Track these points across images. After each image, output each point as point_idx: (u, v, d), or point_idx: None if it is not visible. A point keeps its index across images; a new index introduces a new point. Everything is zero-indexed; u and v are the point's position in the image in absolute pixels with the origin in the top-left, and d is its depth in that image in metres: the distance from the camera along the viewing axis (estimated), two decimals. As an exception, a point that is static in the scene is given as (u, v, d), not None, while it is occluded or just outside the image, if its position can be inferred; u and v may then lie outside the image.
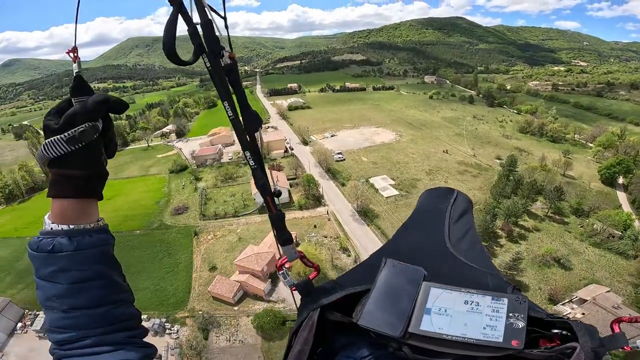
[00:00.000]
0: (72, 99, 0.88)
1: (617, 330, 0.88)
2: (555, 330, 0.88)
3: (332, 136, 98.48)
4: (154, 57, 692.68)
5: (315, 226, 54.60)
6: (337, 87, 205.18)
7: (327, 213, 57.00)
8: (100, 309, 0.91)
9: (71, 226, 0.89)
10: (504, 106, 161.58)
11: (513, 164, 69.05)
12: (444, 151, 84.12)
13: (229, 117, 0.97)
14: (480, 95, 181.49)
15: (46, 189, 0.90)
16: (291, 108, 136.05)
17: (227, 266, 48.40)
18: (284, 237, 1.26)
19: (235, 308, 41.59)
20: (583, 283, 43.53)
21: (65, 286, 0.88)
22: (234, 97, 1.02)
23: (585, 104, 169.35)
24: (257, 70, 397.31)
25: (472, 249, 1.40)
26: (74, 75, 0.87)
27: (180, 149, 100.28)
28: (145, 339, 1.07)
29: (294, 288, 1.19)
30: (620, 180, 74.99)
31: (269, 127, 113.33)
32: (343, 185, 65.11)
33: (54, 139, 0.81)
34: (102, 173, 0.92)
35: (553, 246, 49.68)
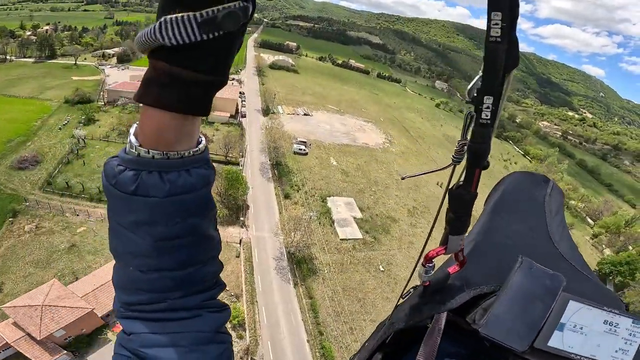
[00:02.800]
0: None
1: None
2: None
3: (305, 115, 75.30)
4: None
5: (211, 259, 32.93)
6: (340, 62, 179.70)
7: (240, 243, 35.23)
8: (186, 271, 0.71)
9: (168, 153, 0.62)
10: (510, 141, 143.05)
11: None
12: (437, 183, 63.40)
13: (489, 38, 0.59)
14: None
15: None
16: (274, 66, 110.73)
17: (19, 292, 26.71)
18: (462, 225, 0.87)
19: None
20: None
21: (148, 243, 0.66)
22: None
23: (590, 164, 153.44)
24: (265, 20, 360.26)
25: (574, 253, 1.20)
26: None
27: (107, 76, 75.80)
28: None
29: (427, 283, 0.93)
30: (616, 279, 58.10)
31: (233, 78, 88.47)
32: (287, 197, 43.22)
33: (184, 17, 0.50)
34: (225, 81, 0.62)
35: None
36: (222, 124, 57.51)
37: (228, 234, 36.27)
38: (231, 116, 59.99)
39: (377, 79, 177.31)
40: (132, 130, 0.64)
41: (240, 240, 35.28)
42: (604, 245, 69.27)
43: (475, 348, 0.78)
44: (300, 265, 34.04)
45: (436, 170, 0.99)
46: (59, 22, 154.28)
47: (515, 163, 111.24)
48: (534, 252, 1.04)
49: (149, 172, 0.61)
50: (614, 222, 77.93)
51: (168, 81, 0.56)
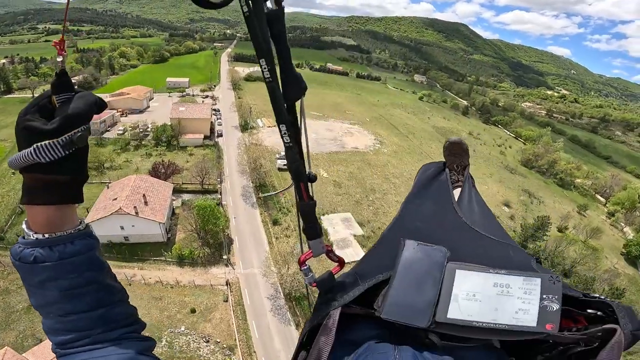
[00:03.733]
0: (53, 97, 0.80)
1: None
2: (590, 311, 0.81)
3: (287, 126, 69.84)
4: (133, 6, 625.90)
5: (193, 311, 27.57)
6: (317, 67, 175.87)
7: (227, 285, 29.79)
8: (97, 312, 0.90)
9: (57, 234, 0.85)
10: (499, 126, 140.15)
11: (543, 228, 44.97)
12: (438, 180, 58.64)
13: (265, 79, 0.80)
14: (474, 108, 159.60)
15: None
16: (250, 78, 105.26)
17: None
18: (314, 231, 1.06)
19: None
20: None
21: (57, 293, 0.85)
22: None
23: (583, 139, 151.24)
24: (239, 35, 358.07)
25: (483, 218, 1.33)
26: (58, 70, 0.78)
27: (65, 106, 69.38)
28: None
29: (314, 285, 1.04)
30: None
31: (207, 96, 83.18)
32: (276, 223, 37.88)
33: (50, 143, 0.74)
34: (87, 177, 0.89)
35: None
36: (196, 147, 52.03)
37: (211, 275, 30.81)
38: (206, 137, 54.61)
39: (357, 79, 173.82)
40: (24, 226, 0.86)
41: (227, 282, 29.83)
42: (622, 224, 65.22)
43: (394, 327, 0.83)
44: (300, 302, 28.73)
45: (285, 189, 1.20)
46: (18, 55, 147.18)
47: (510, 147, 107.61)
48: (438, 229, 1.13)
49: (42, 247, 0.82)
50: (627, 197, 73.68)
51: (45, 186, 0.80)
